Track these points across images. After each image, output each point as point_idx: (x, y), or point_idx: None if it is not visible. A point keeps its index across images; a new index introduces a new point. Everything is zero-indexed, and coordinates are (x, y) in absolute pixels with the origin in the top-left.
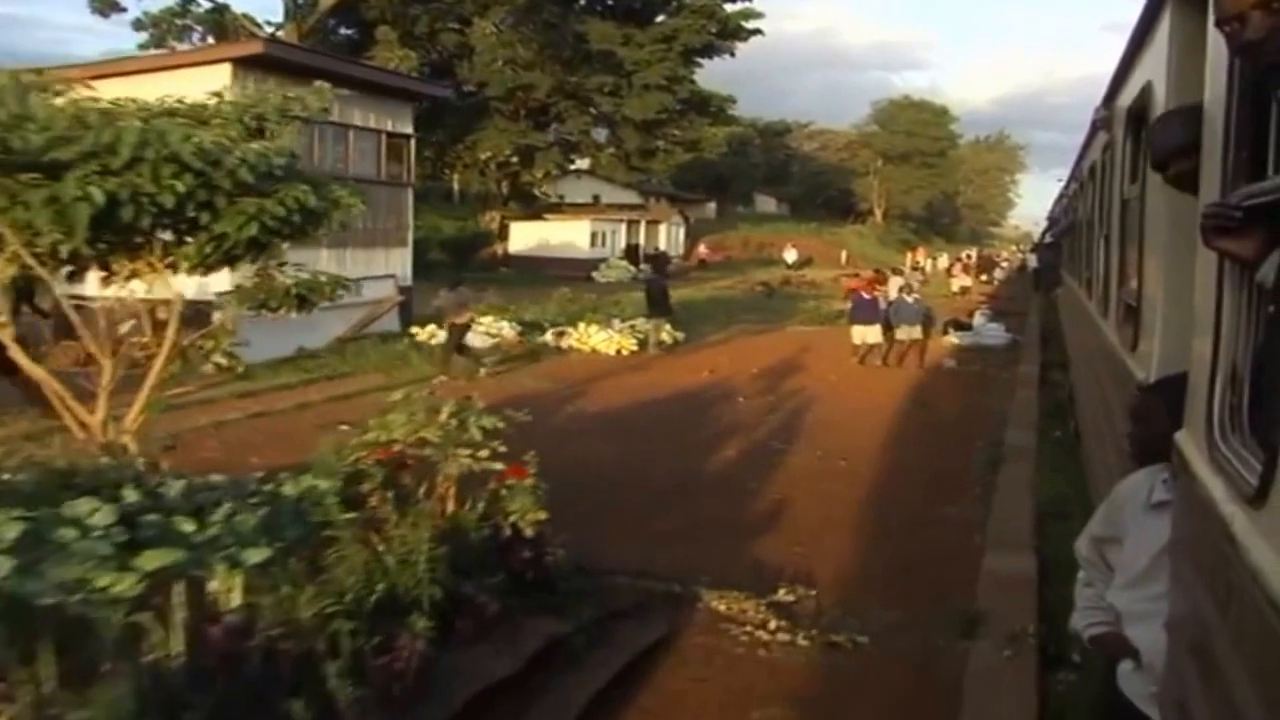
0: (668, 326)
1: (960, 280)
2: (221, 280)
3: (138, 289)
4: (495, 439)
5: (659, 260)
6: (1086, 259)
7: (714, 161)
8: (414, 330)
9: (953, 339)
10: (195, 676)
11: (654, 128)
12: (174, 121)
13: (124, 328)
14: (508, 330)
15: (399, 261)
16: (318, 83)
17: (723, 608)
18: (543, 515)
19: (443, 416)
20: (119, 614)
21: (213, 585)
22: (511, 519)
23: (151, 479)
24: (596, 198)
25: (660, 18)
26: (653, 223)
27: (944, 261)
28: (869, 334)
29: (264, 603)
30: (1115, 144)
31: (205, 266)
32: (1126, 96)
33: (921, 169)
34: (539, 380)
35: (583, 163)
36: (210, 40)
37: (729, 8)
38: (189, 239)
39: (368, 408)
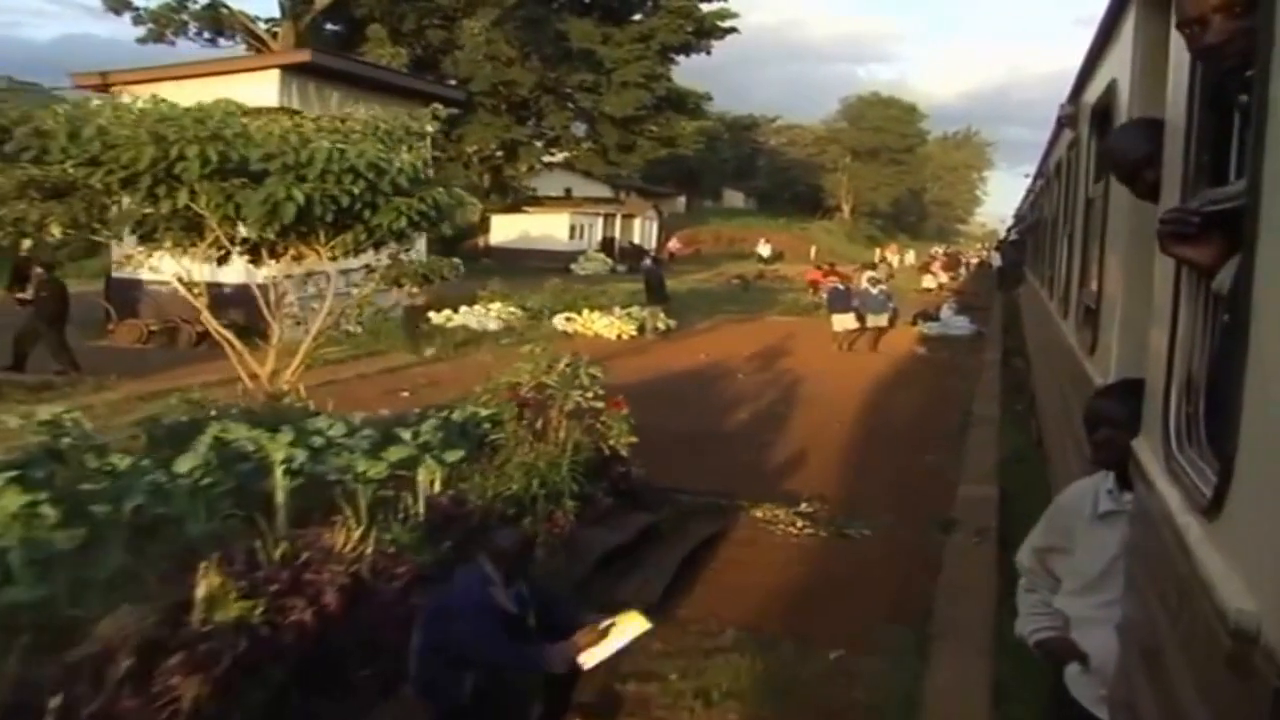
0: (662, 314)
1: (938, 278)
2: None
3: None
4: (598, 383)
5: (638, 252)
6: (1049, 258)
7: (684, 156)
8: (430, 314)
9: (923, 329)
10: (432, 529)
11: (632, 124)
12: (329, 135)
13: (290, 298)
14: (517, 315)
15: (416, 251)
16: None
17: (760, 515)
18: (634, 439)
19: (560, 366)
20: (371, 489)
21: (420, 475)
22: (610, 442)
23: (321, 417)
24: (569, 191)
25: (638, 16)
26: (628, 217)
27: (910, 258)
28: (848, 321)
29: (462, 488)
30: (1080, 141)
31: (356, 251)
32: (1092, 93)
33: (889, 166)
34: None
35: (558, 156)
36: (206, 35)
37: (705, 7)
38: (347, 230)
39: (415, 377)
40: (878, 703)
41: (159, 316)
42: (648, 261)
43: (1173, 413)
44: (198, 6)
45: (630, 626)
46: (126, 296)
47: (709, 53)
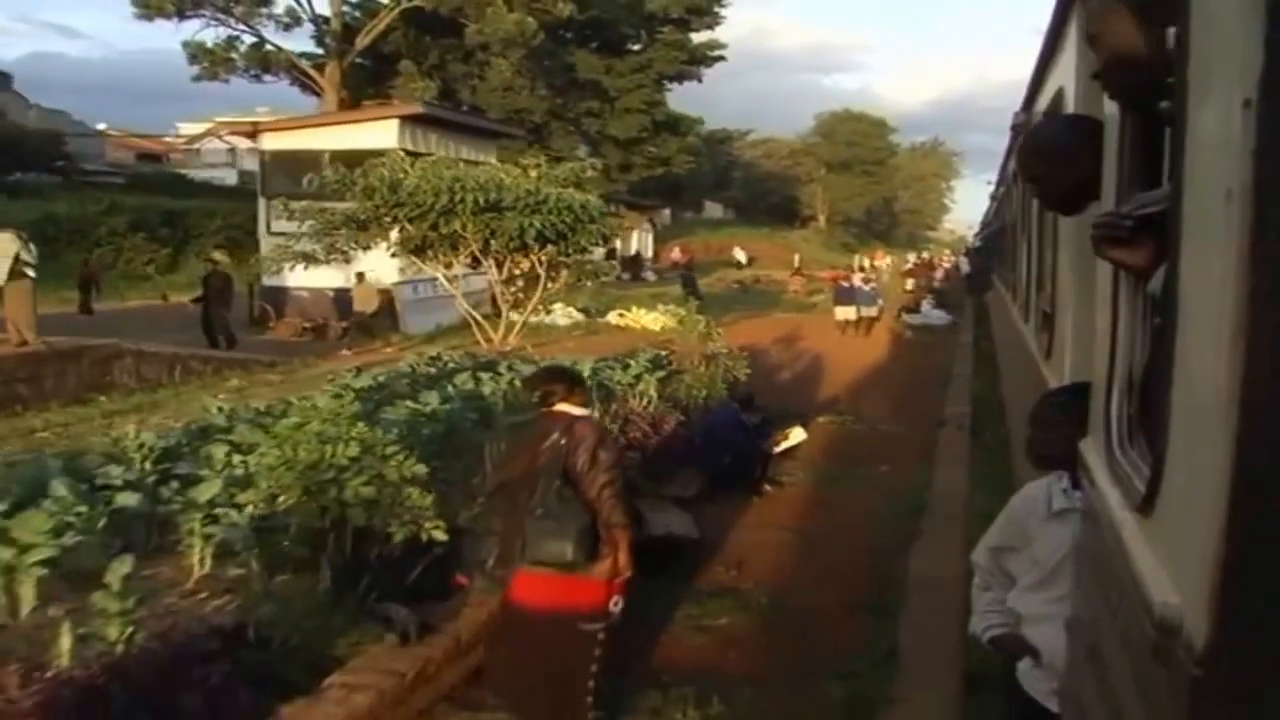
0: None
1: (917, 280)
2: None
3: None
4: (721, 334)
5: (636, 262)
6: (1012, 264)
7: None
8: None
9: (907, 320)
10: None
11: (632, 145)
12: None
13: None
14: (575, 313)
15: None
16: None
17: (822, 420)
18: (749, 371)
19: (700, 328)
20: (623, 388)
21: (645, 384)
22: (734, 374)
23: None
24: None
25: (637, 47)
26: (627, 229)
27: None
28: (849, 312)
29: (665, 394)
30: None
31: (557, 259)
32: (1042, 101)
33: (862, 177)
34: (616, 345)
35: None
36: (253, 73)
37: (695, 38)
38: (553, 244)
39: (569, 346)
40: (906, 488)
41: (303, 316)
42: (683, 269)
43: (1114, 413)
44: (245, 47)
45: (796, 434)
46: (275, 299)
47: (700, 80)
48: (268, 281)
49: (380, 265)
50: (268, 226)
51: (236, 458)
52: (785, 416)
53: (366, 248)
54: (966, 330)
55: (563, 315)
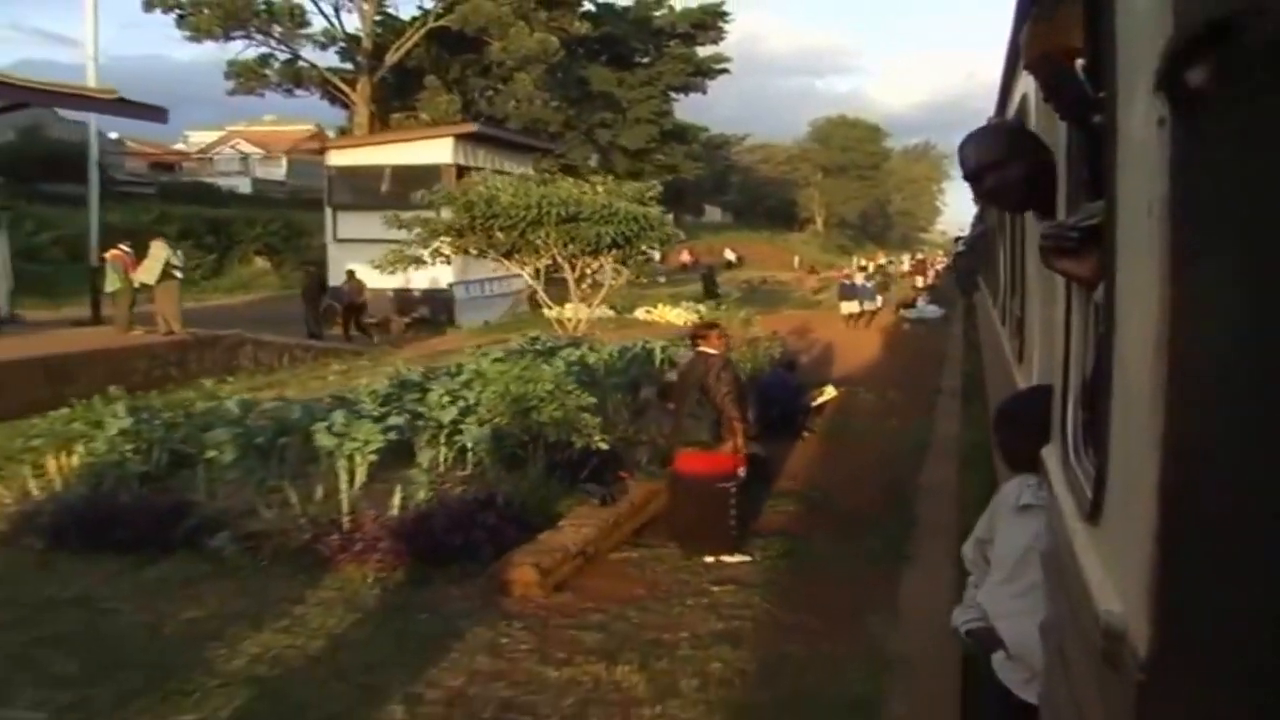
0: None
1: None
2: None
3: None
4: (758, 321)
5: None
6: (992, 268)
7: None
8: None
9: (904, 314)
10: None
11: (641, 154)
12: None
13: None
14: (607, 310)
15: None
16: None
17: (838, 391)
18: (782, 349)
19: (740, 315)
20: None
21: None
22: (773, 352)
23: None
24: None
25: (646, 59)
26: None
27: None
28: (853, 306)
29: None
30: None
31: (623, 263)
32: (1011, 108)
33: (857, 181)
34: (657, 334)
35: None
36: (285, 88)
37: (701, 52)
38: (620, 249)
39: (613, 333)
40: (912, 434)
41: (362, 314)
42: (704, 269)
43: (1069, 421)
44: (279, 64)
45: (828, 391)
46: (342, 299)
47: (705, 91)
48: (334, 283)
49: (438, 271)
50: (334, 234)
51: (445, 398)
52: (818, 380)
53: (466, 252)
54: (957, 323)
55: (597, 311)
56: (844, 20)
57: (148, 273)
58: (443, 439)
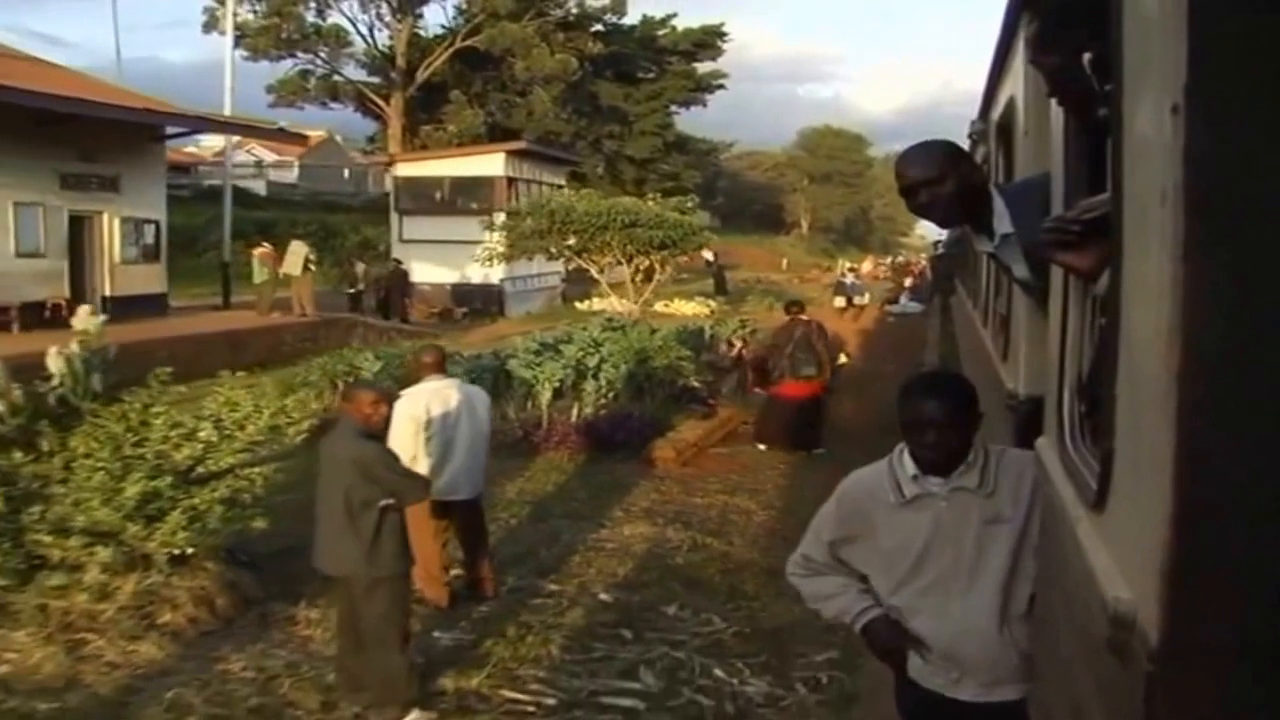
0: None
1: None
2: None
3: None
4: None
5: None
6: (972, 269)
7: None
8: (576, 304)
9: (889, 309)
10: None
11: (646, 164)
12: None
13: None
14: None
15: (558, 261)
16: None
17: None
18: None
19: (766, 304)
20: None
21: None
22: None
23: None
24: None
25: (651, 74)
26: None
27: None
28: (841, 301)
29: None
30: (990, 156)
31: (665, 261)
32: (996, 110)
33: (841, 187)
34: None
35: None
36: (322, 101)
37: (701, 69)
38: (666, 249)
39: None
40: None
41: (426, 304)
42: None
43: (1066, 412)
44: (316, 78)
45: (844, 355)
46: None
47: (705, 105)
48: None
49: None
50: (400, 235)
51: (581, 352)
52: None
53: (547, 251)
54: (935, 316)
55: (620, 305)
56: (825, 29)
57: (292, 266)
58: (589, 376)
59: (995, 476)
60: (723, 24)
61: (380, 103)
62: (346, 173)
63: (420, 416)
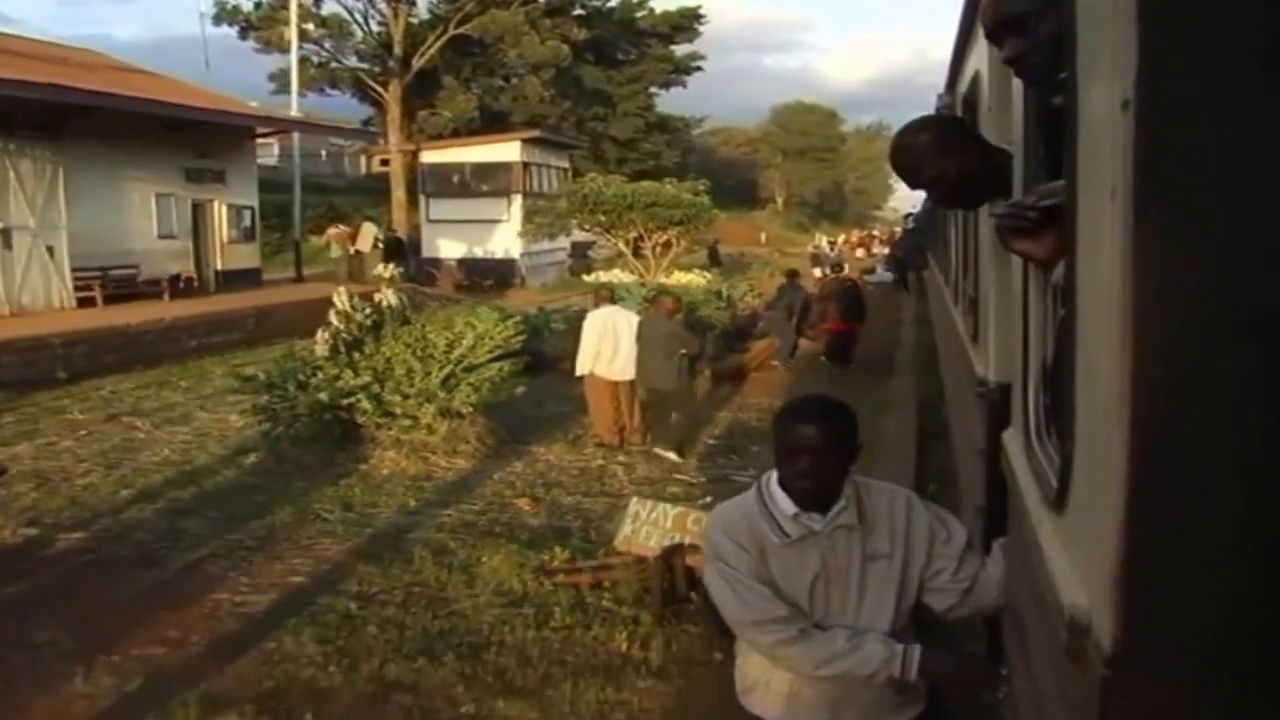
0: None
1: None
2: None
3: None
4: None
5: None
6: (943, 246)
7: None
8: (582, 276)
9: (866, 278)
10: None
11: (629, 144)
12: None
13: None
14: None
15: (563, 239)
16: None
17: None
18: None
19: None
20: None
21: (739, 292)
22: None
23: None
24: None
25: (633, 56)
26: None
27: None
28: (817, 271)
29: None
30: None
31: (681, 237)
32: (963, 84)
33: (815, 163)
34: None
35: None
36: (321, 89)
37: (679, 51)
38: (682, 226)
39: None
40: (891, 333)
41: (451, 276)
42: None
43: (1030, 406)
44: (315, 67)
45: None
46: (433, 265)
47: (685, 86)
48: (427, 254)
49: (509, 243)
50: (426, 215)
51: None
52: None
53: (581, 228)
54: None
55: (625, 276)
56: None
57: (364, 243)
58: None
59: (871, 511)
60: (699, 6)
61: (379, 89)
62: (324, 154)
63: (598, 327)
